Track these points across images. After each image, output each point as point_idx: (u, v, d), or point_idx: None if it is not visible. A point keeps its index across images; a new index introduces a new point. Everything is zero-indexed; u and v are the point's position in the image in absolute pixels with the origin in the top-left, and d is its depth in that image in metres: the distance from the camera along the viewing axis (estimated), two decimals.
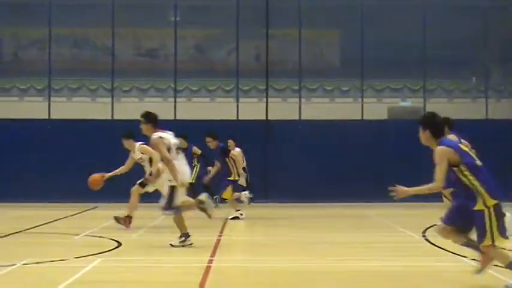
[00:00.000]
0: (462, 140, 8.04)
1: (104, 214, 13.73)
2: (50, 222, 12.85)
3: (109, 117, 19.54)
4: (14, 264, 7.76)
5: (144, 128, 9.39)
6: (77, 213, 14.78)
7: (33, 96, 20.32)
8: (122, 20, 20.06)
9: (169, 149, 9.12)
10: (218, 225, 12.18)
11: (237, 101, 20.11)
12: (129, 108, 19.60)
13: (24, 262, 7.95)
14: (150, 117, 9.41)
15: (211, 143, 13.29)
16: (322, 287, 6.86)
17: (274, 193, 18.10)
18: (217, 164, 13.72)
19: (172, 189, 9.12)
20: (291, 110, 19.54)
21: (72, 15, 20.07)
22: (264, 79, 20.11)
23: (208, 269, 7.60)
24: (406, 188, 6.34)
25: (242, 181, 13.80)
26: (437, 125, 6.39)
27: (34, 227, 11.86)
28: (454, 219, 6.39)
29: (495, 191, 6.05)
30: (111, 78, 20.00)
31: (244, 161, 17.25)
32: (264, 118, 19.53)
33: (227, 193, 13.18)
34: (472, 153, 6.38)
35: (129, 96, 20.38)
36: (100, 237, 10.51)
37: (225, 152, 13.38)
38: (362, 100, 19.93)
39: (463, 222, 6.31)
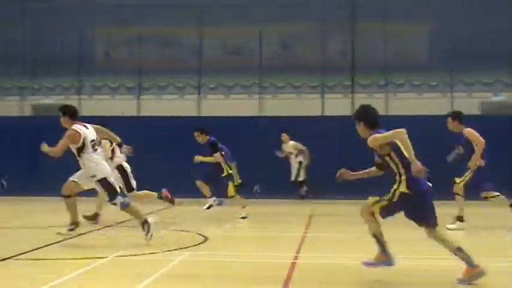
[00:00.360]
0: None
1: (191, 209, 13.98)
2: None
3: (196, 114, 19.89)
4: (107, 257, 8.03)
5: (62, 120, 9.45)
6: (164, 209, 15.09)
7: (124, 94, 20.93)
8: (209, 19, 20.36)
9: (84, 144, 9.21)
10: (304, 222, 12.16)
11: (322, 97, 20.02)
12: (215, 105, 19.91)
13: (116, 254, 8.22)
14: (68, 110, 9.51)
15: (200, 137, 12.89)
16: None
17: (355, 189, 17.63)
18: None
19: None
20: (377, 106, 19.15)
21: (160, 15, 20.51)
22: (350, 74, 19.92)
23: (293, 265, 7.60)
24: (349, 172, 7.08)
25: (234, 172, 13.12)
26: (369, 117, 6.84)
27: (125, 221, 12.22)
28: None
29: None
30: (197, 76, 20.35)
31: (301, 156, 17.37)
32: (350, 114, 19.33)
33: (230, 190, 12.63)
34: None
35: (215, 93, 20.65)
36: (187, 231, 10.69)
37: (215, 146, 12.81)
38: (451, 95, 19.43)
39: None
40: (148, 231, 9.10)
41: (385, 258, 6.79)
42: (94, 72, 21.13)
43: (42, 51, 20.98)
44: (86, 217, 11.69)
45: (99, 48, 21.82)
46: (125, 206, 9.29)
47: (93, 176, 9.27)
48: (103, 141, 10.36)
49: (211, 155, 12.68)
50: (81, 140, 9.23)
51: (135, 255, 8.24)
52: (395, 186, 6.61)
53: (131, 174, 11.62)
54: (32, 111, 21.19)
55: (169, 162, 16.98)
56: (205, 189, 13.16)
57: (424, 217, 6.60)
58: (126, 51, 21.51)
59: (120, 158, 11.53)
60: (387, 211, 6.70)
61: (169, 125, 18.24)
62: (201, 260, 8.06)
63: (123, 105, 20.09)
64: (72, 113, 9.52)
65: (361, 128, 6.80)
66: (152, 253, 8.40)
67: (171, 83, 20.84)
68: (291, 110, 19.07)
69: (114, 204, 9.29)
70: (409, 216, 6.70)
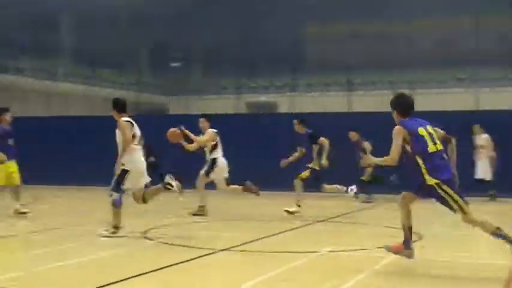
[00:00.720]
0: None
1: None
2: (348, 213, 13.24)
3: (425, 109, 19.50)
4: (318, 252, 8.16)
5: (113, 113, 9.51)
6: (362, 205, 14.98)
7: (334, 91, 21.16)
8: (420, 12, 19.89)
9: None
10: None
11: None
12: (430, 99, 19.35)
13: (329, 249, 8.33)
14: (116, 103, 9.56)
15: (299, 127, 12.50)
16: None
17: None
18: (302, 150, 12.54)
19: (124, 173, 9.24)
20: None
21: (375, 10, 20.42)
22: None
23: None
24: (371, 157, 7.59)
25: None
26: (401, 105, 7.09)
27: (336, 217, 12.35)
28: None
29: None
30: (409, 70, 19.96)
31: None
32: None
33: (303, 175, 12.21)
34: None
35: (428, 87, 20.11)
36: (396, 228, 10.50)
37: (314, 138, 12.35)
38: None
39: None
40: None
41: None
42: (306, 70, 21.61)
43: (259, 51, 21.87)
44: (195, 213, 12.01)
45: (311, 47, 22.28)
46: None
47: None
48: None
49: (310, 147, 12.33)
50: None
51: (346, 250, 8.30)
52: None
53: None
54: (246, 109, 22.23)
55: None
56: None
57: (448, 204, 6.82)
58: (335, 48, 21.72)
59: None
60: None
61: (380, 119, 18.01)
62: (413, 260, 7.85)
63: (333, 102, 20.32)
64: None
65: (394, 116, 7.12)
66: (364, 249, 8.38)
67: (381, 77, 20.67)
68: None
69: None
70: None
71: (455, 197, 6.73)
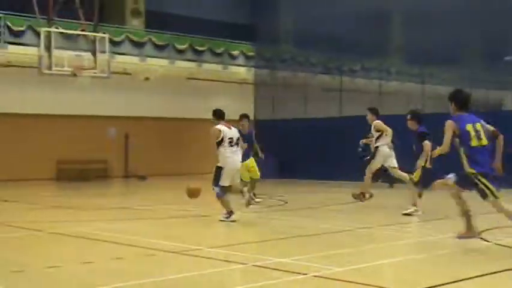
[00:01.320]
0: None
1: None
2: None
3: None
4: None
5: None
6: None
7: None
8: None
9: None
10: None
11: None
12: None
13: None
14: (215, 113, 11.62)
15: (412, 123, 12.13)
16: None
17: None
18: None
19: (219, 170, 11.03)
20: None
21: None
22: None
23: None
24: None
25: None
26: (458, 99, 8.43)
27: None
28: None
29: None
30: None
31: None
32: None
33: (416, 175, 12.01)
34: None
35: None
36: None
37: (423, 136, 11.92)
38: None
39: None
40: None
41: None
42: None
43: None
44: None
45: None
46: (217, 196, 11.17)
47: None
48: None
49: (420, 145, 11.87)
50: None
51: None
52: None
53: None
54: None
55: None
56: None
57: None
58: None
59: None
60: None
61: None
62: None
63: None
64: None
65: (451, 109, 8.42)
66: None
67: None
68: None
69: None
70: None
71: (489, 185, 7.99)
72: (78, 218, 12.26)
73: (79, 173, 24.81)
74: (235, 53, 29.50)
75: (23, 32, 23.41)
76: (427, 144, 11.80)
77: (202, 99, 28.48)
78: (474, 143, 8.09)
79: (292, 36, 28.27)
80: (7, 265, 7.36)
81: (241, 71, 29.52)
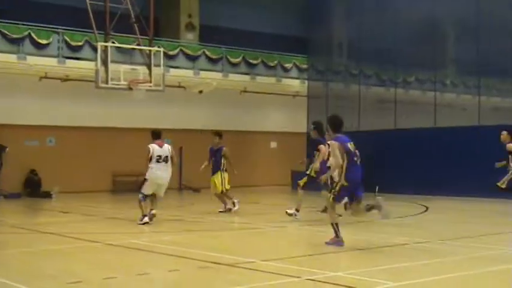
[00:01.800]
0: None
1: None
2: None
3: None
4: None
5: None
6: None
7: None
8: None
9: None
10: None
11: None
12: None
13: None
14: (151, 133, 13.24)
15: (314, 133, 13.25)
16: None
17: None
18: None
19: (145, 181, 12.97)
20: None
21: None
22: None
23: None
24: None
25: None
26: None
27: None
28: None
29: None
30: None
31: None
32: None
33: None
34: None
35: None
36: None
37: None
38: None
39: None
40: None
41: None
42: None
43: None
44: None
45: None
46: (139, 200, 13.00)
47: None
48: None
49: None
50: None
51: None
52: None
53: None
54: None
55: None
56: None
57: None
58: None
59: None
60: None
61: None
62: None
63: None
64: None
65: None
66: None
67: None
68: None
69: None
70: None
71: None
72: (133, 230, 12.42)
73: (134, 185, 25.13)
74: (289, 65, 29.53)
75: (80, 46, 23.95)
76: (322, 147, 12.82)
77: (255, 112, 28.58)
78: (355, 159, 9.30)
79: (346, 48, 28.14)
80: (64, 276, 7.49)
81: (295, 84, 29.53)
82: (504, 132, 13.40)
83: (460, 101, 24.68)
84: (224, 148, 15.57)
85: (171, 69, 25.37)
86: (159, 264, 8.46)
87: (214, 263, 8.21)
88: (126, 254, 9.39)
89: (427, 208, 13.21)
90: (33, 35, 23.02)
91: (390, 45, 24.38)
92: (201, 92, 27.17)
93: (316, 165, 12.92)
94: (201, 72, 27.01)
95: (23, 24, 23.00)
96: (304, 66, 29.24)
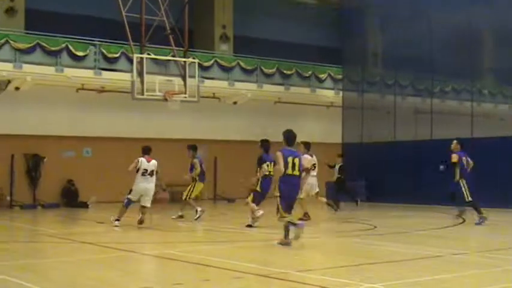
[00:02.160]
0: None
1: None
2: None
3: None
4: None
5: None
6: None
7: None
8: None
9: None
10: None
11: None
12: None
13: None
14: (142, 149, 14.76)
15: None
16: None
17: None
18: None
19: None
20: None
21: None
22: None
23: None
24: None
25: None
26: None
27: None
28: None
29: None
30: None
31: None
32: None
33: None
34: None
35: None
36: None
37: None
38: None
39: None
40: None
41: None
42: None
43: None
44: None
45: None
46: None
47: None
48: None
49: None
50: None
51: None
52: None
53: None
54: None
55: None
56: None
57: None
58: None
59: None
60: None
61: None
62: None
63: None
64: None
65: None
66: None
67: None
68: None
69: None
70: None
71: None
72: (167, 239, 12.48)
73: (169, 195, 25.24)
74: (323, 76, 29.46)
75: (116, 58, 24.24)
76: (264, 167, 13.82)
77: (290, 122, 28.26)
78: (289, 171, 10.59)
79: (380, 58, 27.97)
80: (102, 286, 7.55)
81: (329, 94, 29.44)
82: (454, 141, 13.67)
83: (498, 111, 24.33)
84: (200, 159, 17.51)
85: (206, 80, 25.51)
86: (191, 274, 8.47)
87: (247, 273, 8.19)
88: (161, 264, 9.44)
89: (464, 220, 13.00)
90: (70, 47, 23.38)
91: (426, 54, 24.16)
92: (235, 103, 27.27)
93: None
94: (236, 83, 27.10)
95: (61, 37, 23.39)
96: (339, 76, 29.13)
